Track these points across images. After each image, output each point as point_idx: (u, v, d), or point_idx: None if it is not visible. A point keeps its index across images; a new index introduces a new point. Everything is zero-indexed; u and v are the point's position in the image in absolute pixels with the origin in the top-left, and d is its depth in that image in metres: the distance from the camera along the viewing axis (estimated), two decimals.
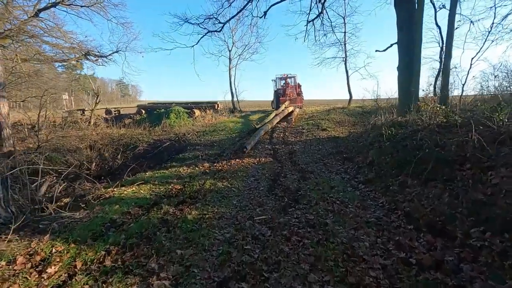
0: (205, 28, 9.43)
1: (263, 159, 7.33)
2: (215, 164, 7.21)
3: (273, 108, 18.30)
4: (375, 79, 18.55)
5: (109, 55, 20.89)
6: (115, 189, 5.44)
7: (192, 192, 4.96)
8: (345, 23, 16.72)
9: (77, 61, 22.57)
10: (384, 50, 10.96)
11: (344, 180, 5.23)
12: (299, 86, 18.35)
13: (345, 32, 16.93)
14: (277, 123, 13.27)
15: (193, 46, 9.97)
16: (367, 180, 4.79)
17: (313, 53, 17.36)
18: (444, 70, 7.96)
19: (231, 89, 18.76)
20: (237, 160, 7.41)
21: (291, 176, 5.67)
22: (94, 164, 10.51)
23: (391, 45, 10.71)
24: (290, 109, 15.89)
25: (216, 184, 5.35)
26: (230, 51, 18.22)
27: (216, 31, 9.83)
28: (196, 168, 6.96)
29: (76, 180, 8.99)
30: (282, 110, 14.91)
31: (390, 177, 4.49)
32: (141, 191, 5.18)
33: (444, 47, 9.17)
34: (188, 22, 9.30)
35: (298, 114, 16.15)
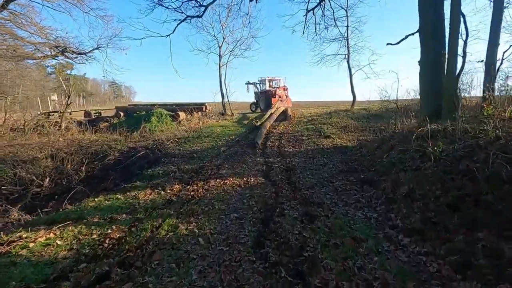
0: (183, 12, 7.64)
1: (252, 180, 5.52)
2: (188, 186, 5.39)
3: (252, 110, 17.91)
4: (381, 77, 16.50)
5: (89, 52, 19.06)
6: (24, 235, 3.59)
7: (134, 247, 3.12)
8: (347, 16, 15.08)
9: (53, 58, 20.57)
10: (398, 43, 9.29)
11: (371, 222, 3.44)
12: (285, 88, 18.33)
13: (347, 26, 15.28)
14: (271, 127, 11.52)
15: (168, 35, 8.16)
16: (412, 230, 3.00)
17: (313, 49, 15.78)
18: (489, 64, 6.28)
19: (221, 90, 16.96)
20: (217, 180, 5.60)
21: (291, 213, 3.86)
22: (48, 179, 8.61)
23: (407, 36, 9.03)
24: (282, 109, 15.33)
25: (178, 228, 3.52)
26: (220, 47, 16.44)
27: (197, 16, 8.05)
28: (162, 193, 5.15)
29: (19, 202, 7.19)
30: (275, 110, 14.18)
31: (455, 230, 2.71)
32: (58, 242, 3.33)
33: (467, 38, 7.46)
34: (162, 5, 7.50)
35: (296, 118, 14.45)
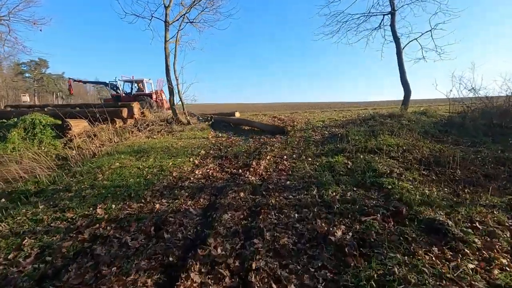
0: None
1: None
2: None
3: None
4: (447, 56, 8.64)
5: None
6: None
7: None
8: None
9: None
10: None
11: None
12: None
13: None
14: (230, 162, 4.60)
15: None
16: None
17: (327, 4, 9.27)
18: None
19: (168, 80, 9.92)
20: None
21: None
22: None
23: None
24: None
25: None
26: (167, 7, 9.55)
27: None
28: None
29: None
30: None
31: None
32: None
33: None
34: None
35: (297, 129, 7.61)
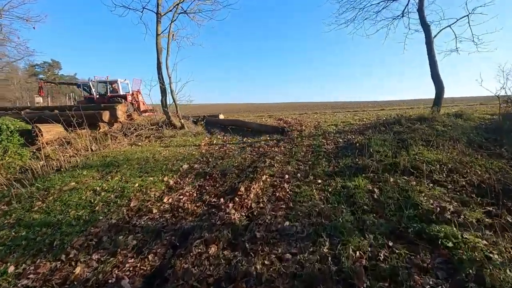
0: None
1: None
2: None
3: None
4: (485, 47, 6.89)
5: None
6: None
7: None
8: None
9: None
10: None
11: None
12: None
13: None
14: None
15: None
16: None
17: None
18: None
19: (160, 79, 8.81)
20: None
21: None
22: None
23: None
24: None
25: None
26: None
27: None
28: None
29: None
30: None
31: None
32: None
33: None
34: None
35: (305, 135, 6.37)
